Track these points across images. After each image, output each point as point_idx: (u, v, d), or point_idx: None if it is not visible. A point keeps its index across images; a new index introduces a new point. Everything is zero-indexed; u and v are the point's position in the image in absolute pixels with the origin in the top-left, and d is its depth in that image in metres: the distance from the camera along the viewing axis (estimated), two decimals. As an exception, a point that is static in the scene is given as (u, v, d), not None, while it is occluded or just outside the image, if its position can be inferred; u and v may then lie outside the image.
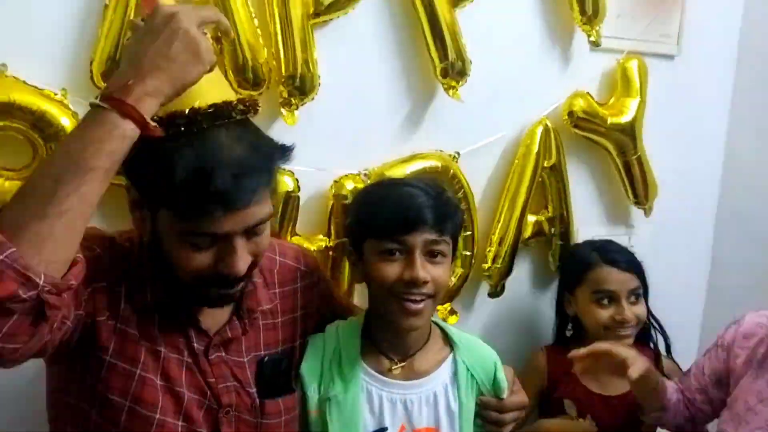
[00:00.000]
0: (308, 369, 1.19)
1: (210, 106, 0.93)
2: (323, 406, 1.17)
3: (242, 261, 0.97)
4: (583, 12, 1.62)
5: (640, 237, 1.86)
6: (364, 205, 1.24)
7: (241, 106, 0.97)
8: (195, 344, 1.06)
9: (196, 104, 0.93)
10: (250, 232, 0.98)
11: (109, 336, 1.00)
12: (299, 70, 1.33)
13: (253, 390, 1.11)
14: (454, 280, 1.57)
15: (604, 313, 1.55)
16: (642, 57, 1.76)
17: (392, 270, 1.14)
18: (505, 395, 1.23)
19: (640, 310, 1.56)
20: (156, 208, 0.96)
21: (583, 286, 1.59)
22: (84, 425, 1.02)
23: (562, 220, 1.73)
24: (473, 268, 1.62)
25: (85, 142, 0.82)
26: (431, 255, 1.15)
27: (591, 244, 1.65)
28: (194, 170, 0.90)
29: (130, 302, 1.02)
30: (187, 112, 0.92)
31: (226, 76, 1.26)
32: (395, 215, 1.14)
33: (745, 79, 1.99)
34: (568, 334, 1.66)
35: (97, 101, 0.85)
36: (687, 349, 1.84)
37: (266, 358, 1.14)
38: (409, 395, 1.19)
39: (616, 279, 1.55)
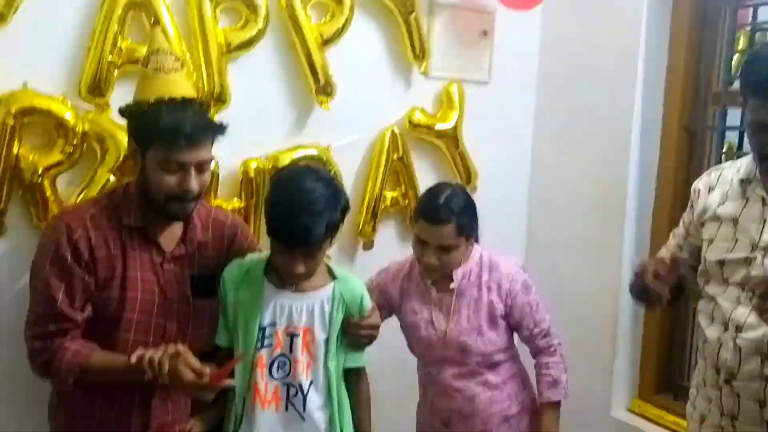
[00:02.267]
0: (228, 277, 1.79)
1: (182, 97, 1.62)
2: (234, 307, 1.76)
3: (194, 183, 1.61)
4: (414, 52, 2.39)
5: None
6: (271, 209, 1.70)
7: (198, 101, 1.68)
8: (155, 258, 1.72)
9: (172, 94, 1.61)
10: (198, 169, 1.61)
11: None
12: (216, 89, 2.02)
13: (189, 291, 1.76)
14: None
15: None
16: (461, 83, 2.52)
17: (281, 258, 1.70)
18: (365, 316, 1.79)
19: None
20: (146, 149, 1.60)
21: None
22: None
23: (411, 195, 2.46)
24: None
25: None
26: (309, 256, 1.67)
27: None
28: (171, 122, 1.56)
29: (118, 228, 1.65)
30: (167, 98, 1.60)
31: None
32: (289, 235, 1.65)
33: (544, 97, 2.73)
34: None
35: None
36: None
37: (198, 273, 1.78)
38: (295, 303, 1.74)
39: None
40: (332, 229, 1.69)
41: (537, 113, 2.78)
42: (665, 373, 2.48)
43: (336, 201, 1.69)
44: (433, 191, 1.92)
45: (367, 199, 2.37)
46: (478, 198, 2.08)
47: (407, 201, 2.46)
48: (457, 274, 1.95)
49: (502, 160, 2.69)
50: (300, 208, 1.62)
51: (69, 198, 1.89)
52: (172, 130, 1.56)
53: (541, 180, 2.79)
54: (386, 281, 2.07)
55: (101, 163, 1.90)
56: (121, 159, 1.88)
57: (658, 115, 2.42)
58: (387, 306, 2.03)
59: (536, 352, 2.02)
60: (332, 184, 1.72)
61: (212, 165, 1.74)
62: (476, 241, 2.00)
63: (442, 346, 1.96)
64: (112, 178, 1.90)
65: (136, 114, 1.63)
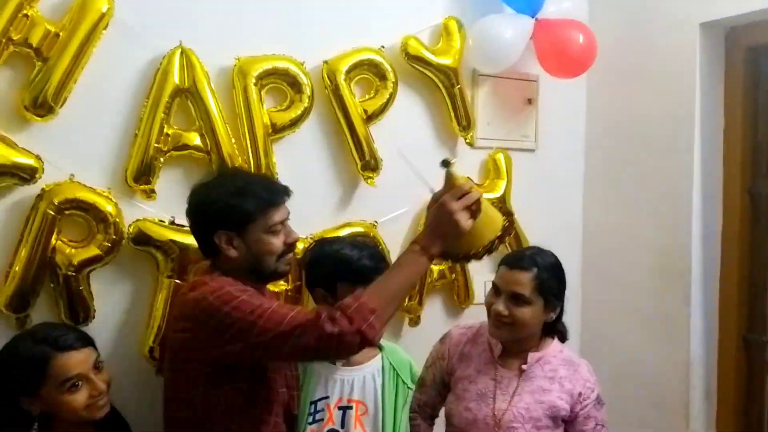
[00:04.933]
0: None
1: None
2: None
3: (294, 232, 1.67)
4: (459, 123, 2.33)
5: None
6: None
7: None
8: None
9: None
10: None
11: None
12: (263, 169, 1.98)
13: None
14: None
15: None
16: (508, 151, 2.47)
17: None
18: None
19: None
20: (244, 230, 1.58)
21: None
22: None
23: (458, 270, 2.37)
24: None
25: (411, 274, 1.52)
26: None
27: None
28: (263, 191, 1.61)
29: None
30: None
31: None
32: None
33: (593, 163, 2.66)
34: None
35: (413, 248, 1.52)
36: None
37: None
38: (345, 377, 1.80)
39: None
40: None
41: (586, 180, 2.70)
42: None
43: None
44: (525, 246, 1.89)
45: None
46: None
47: (454, 275, 2.37)
48: (533, 357, 1.81)
49: (553, 229, 2.59)
50: (353, 250, 1.83)
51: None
52: (267, 195, 1.61)
53: (593, 248, 2.68)
54: (450, 343, 1.92)
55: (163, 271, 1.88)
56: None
57: (718, 179, 2.31)
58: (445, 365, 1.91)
59: None
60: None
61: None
62: (557, 319, 1.85)
63: (488, 426, 1.76)
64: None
65: (213, 204, 1.59)
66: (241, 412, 1.55)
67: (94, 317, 1.81)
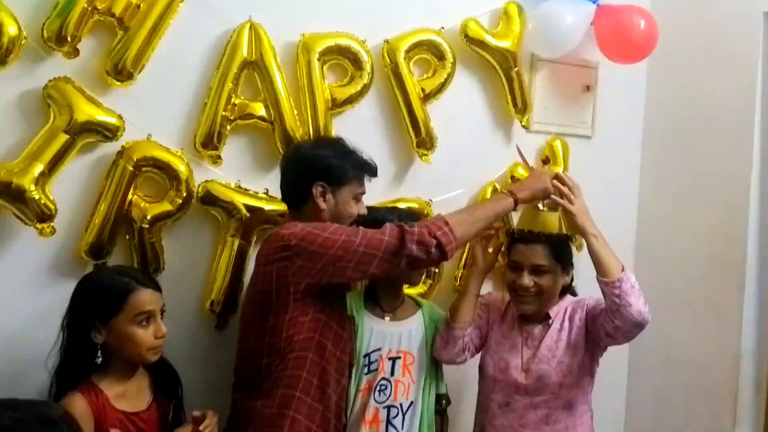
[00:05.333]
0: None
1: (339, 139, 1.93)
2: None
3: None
4: (515, 106, 2.38)
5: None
6: None
7: None
8: None
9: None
10: None
11: None
12: (323, 143, 2.09)
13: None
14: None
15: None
16: (564, 138, 2.49)
17: None
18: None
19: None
20: (339, 188, 1.79)
21: None
22: None
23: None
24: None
25: (497, 206, 1.83)
26: None
27: None
28: (365, 160, 1.86)
29: None
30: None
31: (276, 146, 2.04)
32: None
33: (650, 151, 2.66)
34: None
35: (502, 191, 1.88)
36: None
37: None
38: (392, 330, 1.96)
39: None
40: None
41: (643, 168, 2.70)
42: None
43: None
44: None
45: (465, 253, 2.34)
46: (581, 254, 2.03)
47: (505, 260, 2.41)
48: (553, 311, 1.98)
49: (607, 216, 2.56)
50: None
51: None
52: (365, 167, 1.85)
53: (647, 236, 2.68)
54: (489, 301, 2.12)
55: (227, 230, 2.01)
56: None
57: (778, 167, 2.29)
58: (484, 318, 2.08)
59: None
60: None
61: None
62: (571, 282, 2.02)
63: (519, 372, 1.94)
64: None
65: (321, 159, 1.80)
66: (318, 341, 1.71)
67: (164, 269, 1.95)
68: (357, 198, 1.84)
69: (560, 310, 1.99)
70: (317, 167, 1.79)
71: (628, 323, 1.79)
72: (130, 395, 1.66)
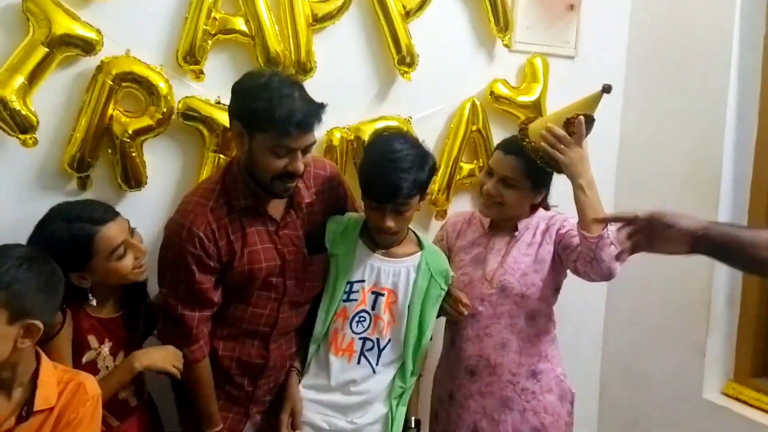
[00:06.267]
0: (328, 230, 1.92)
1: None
2: (332, 258, 1.90)
3: (301, 165, 1.70)
4: (498, 24, 2.38)
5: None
6: (363, 169, 1.86)
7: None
8: (269, 227, 1.81)
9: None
10: (304, 151, 1.71)
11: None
12: (302, 58, 2.10)
13: (305, 249, 1.87)
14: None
15: None
16: (547, 57, 2.50)
17: (373, 215, 1.83)
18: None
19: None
20: (255, 133, 1.65)
21: None
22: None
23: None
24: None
25: None
26: (397, 212, 1.80)
27: None
28: (284, 114, 1.62)
29: (232, 211, 1.75)
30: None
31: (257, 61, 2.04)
32: (379, 191, 1.78)
33: (632, 72, 2.66)
34: None
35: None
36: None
37: (309, 230, 1.89)
38: (384, 266, 1.90)
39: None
40: (420, 188, 1.80)
41: (625, 89, 2.70)
42: (763, 355, 2.34)
43: (423, 161, 1.80)
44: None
45: (442, 169, 2.36)
46: (562, 176, 2.01)
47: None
48: (523, 223, 2.00)
49: (590, 137, 2.59)
50: (389, 166, 1.76)
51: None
52: (285, 120, 1.62)
53: (628, 157, 2.71)
54: (447, 226, 2.16)
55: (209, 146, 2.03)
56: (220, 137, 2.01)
57: (755, 89, 2.30)
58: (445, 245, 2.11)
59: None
60: (420, 146, 1.85)
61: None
62: (543, 200, 2.03)
63: (483, 284, 1.97)
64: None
65: (245, 98, 1.67)
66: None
67: (146, 183, 1.99)
68: (275, 152, 1.66)
69: (531, 223, 2.01)
70: (239, 104, 1.69)
71: (596, 275, 1.81)
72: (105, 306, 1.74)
